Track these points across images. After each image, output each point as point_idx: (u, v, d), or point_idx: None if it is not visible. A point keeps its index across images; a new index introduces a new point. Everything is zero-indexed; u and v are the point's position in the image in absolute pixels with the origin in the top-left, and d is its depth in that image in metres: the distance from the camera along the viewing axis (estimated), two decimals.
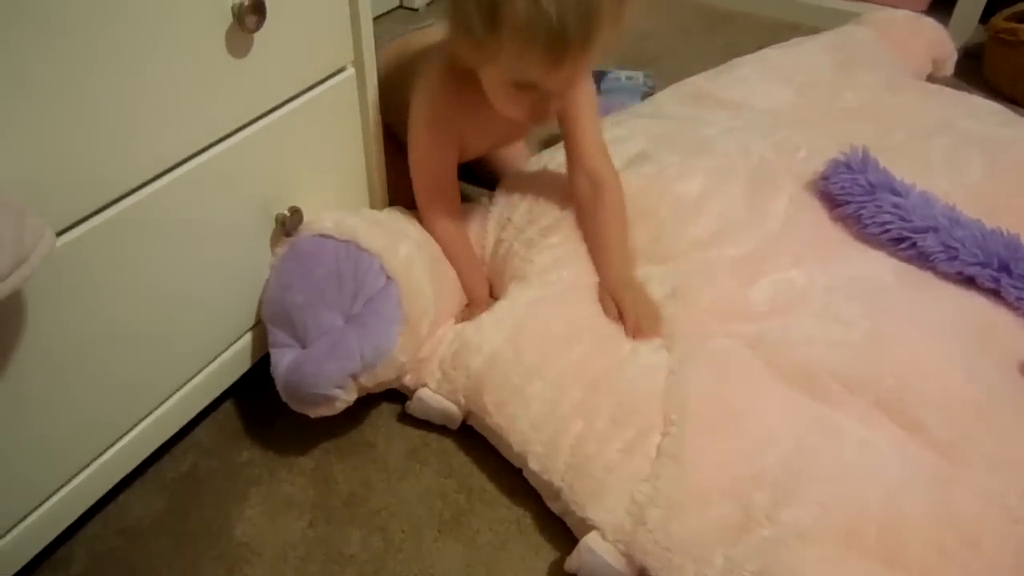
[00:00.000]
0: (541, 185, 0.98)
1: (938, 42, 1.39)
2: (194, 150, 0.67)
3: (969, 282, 0.86)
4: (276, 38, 0.70)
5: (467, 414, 0.82)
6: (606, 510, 0.68)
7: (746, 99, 1.19)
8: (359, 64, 0.82)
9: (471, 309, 0.90)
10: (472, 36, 0.73)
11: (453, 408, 0.81)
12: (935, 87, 1.27)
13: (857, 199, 0.92)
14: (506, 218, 0.96)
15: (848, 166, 0.95)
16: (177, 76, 0.62)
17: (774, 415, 0.72)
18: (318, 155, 0.83)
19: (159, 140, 0.63)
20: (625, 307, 0.83)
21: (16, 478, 0.64)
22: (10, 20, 0.50)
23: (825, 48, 1.31)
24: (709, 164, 0.99)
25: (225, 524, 0.76)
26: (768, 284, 0.86)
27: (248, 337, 0.83)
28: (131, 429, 0.73)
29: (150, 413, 0.74)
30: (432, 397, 0.81)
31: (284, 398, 0.79)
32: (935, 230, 0.87)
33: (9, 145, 0.52)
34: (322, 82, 0.79)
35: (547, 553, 0.73)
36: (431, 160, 0.89)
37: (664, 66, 1.55)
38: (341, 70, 0.81)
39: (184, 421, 0.79)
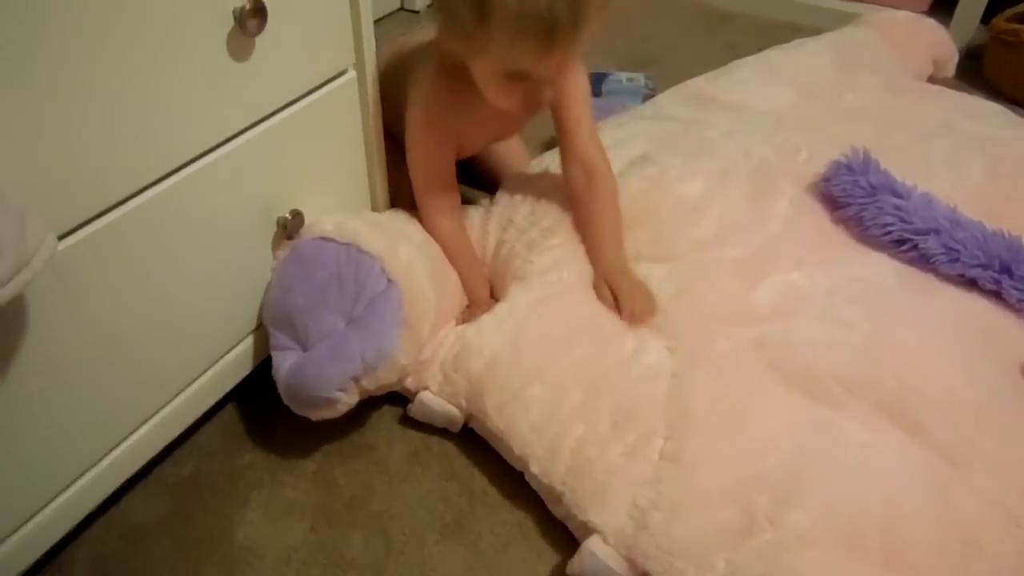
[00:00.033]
0: (543, 186, 0.98)
1: (939, 43, 1.39)
2: (196, 153, 0.67)
3: (971, 284, 0.85)
4: (277, 41, 0.70)
5: (468, 417, 0.82)
6: (608, 514, 0.68)
7: (747, 101, 1.19)
8: (360, 67, 0.82)
9: (472, 310, 0.90)
10: (462, 28, 0.74)
11: (454, 411, 0.81)
12: (936, 88, 1.27)
13: (858, 201, 0.92)
14: (508, 219, 0.96)
15: (849, 168, 0.95)
16: (178, 79, 0.62)
17: (776, 418, 0.72)
18: (319, 158, 0.83)
19: (160, 143, 0.64)
20: (621, 293, 0.84)
21: (18, 481, 0.64)
22: (12, 21, 0.50)
23: (826, 49, 1.31)
24: (710, 166, 0.99)
25: (227, 528, 0.76)
26: (770, 286, 0.86)
27: (250, 340, 0.83)
28: (133, 432, 0.73)
29: (152, 416, 0.74)
30: (433, 400, 0.81)
31: (286, 401, 0.79)
32: (936, 232, 0.87)
33: (11, 148, 0.53)
34: (323, 85, 0.79)
35: (549, 557, 0.73)
36: (429, 159, 0.89)
37: (665, 68, 1.55)
38: (342, 73, 0.81)
39: (186, 424, 0.79)
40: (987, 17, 1.52)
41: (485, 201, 1.02)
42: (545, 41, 0.71)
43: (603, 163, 0.92)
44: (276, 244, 0.81)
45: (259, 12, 0.65)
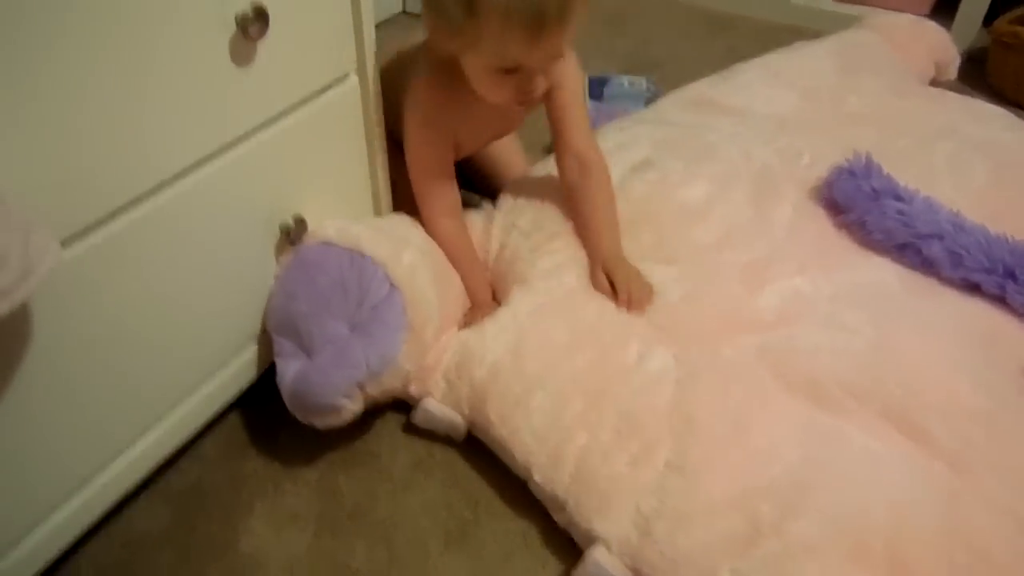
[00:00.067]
0: (547, 190, 0.98)
1: (941, 46, 1.39)
2: (198, 158, 0.67)
3: (974, 289, 0.85)
4: (279, 46, 0.70)
5: (471, 424, 0.82)
6: (611, 522, 0.68)
7: (749, 105, 1.19)
8: (362, 71, 0.82)
9: (474, 312, 0.90)
10: (451, 24, 0.75)
11: (457, 418, 0.81)
12: (938, 91, 1.27)
13: (861, 206, 0.92)
14: (511, 222, 0.96)
15: (852, 172, 0.95)
16: (181, 84, 0.62)
17: (780, 426, 0.72)
18: (322, 162, 0.82)
19: (163, 148, 0.63)
20: (617, 279, 0.85)
21: (22, 492, 0.63)
22: (13, 24, 0.50)
23: (828, 53, 1.31)
24: (712, 171, 0.99)
25: (230, 537, 0.76)
26: (774, 292, 0.86)
27: (253, 348, 0.83)
28: (136, 441, 0.73)
29: (155, 425, 0.74)
30: (437, 407, 0.81)
31: (291, 409, 0.78)
32: (940, 237, 0.87)
33: (13, 154, 0.52)
34: (325, 90, 0.79)
35: (553, 566, 0.73)
36: (427, 158, 0.90)
37: (667, 71, 1.55)
38: (344, 77, 0.81)
39: (189, 433, 0.79)
40: (989, 20, 1.52)
41: (487, 205, 1.02)
42: (534, 29, 0.72)
43: (597, 156, 0.93)
44: (279, 251, 0.81)
45: (261, 17, 0.65)
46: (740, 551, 0.63)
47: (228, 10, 0.64)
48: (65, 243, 0.58)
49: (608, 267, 0.86)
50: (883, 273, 0.88)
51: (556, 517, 0.74)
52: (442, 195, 0.92)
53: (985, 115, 1.16)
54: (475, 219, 0.99)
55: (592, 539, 0.68)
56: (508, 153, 1.14)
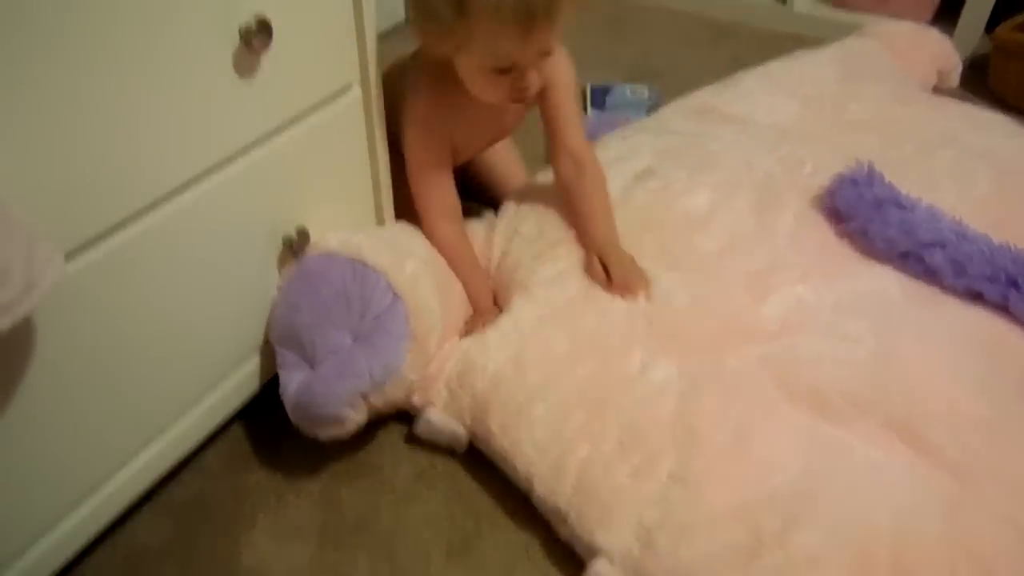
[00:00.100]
0: (550, 198, 0.98)
1: (943, 53, 1.39)
2: (201, 170, 0.67)
3: (976, 297, 0.85)
4: (283, 57, 0.70)
5: (473, 436, 0.81)
6: (614, 535, 0.67)
7: (751, 113, 1.19)
8: (365, 82, 0.82)
9: (476, 319, 0.90)
10: (442, 25, 0.76)
11: (460, 429, 0.81)
12: (940, 99, 1.26)
13: (863, 214, 0.92)
14: (514, 230, 0.96)
15: (854, 181, 0.94)
16: (184, 97, 0.63)
17: (783, 437, 0.71)
18: (325, 173, 0.83)
19: (166, 161, 0.64)
20: (611, 264, 0.86)
21: (23, 505, 0.64)
22: (14, 37, 0.50)
23: (830, 61, 1.31)
24: (715, 179, 0.99)
25: (233, 549, 0.76)
26: (778, 301, 0.85)
27: (255, 359, 0.83)
28: (139, 453, 0.73)
29: (157, 437, 0.74)
30: (439, 418, 0.81)
31: (294, 420, 0.78)
32: (942, 245, 0.87)
33: (16, 167, 0.53)
34: (328, 100, 0.79)
35: None
36: (426, 164, 0.91)
37: (668, 80, 1.55)
38: (347, 88, 0.81)
39: (192, 445, 0.79)
40: (991, 27, 1.52)
41: (488, 214, 1.02)
42: (524, 24, 0.73)
43: (591, 155, 0.95)
44: (282, 262, 0.81)
45: (264, 29, 0.66)
46: (743, 563, 0.63)
47: (232, 22, 0.64)
48: (68, 256, 0.58)
49: (602, 253, 0.87)
50: (885, 282, 0.88)
51: (558, 529, 0.74)
52: (441, 199, 0.92)
53: (987, 122, 1.15)
54: (476, 228, 0.99)
55: (594, 551, 0.68)
56: (507, 163, 1.14)
